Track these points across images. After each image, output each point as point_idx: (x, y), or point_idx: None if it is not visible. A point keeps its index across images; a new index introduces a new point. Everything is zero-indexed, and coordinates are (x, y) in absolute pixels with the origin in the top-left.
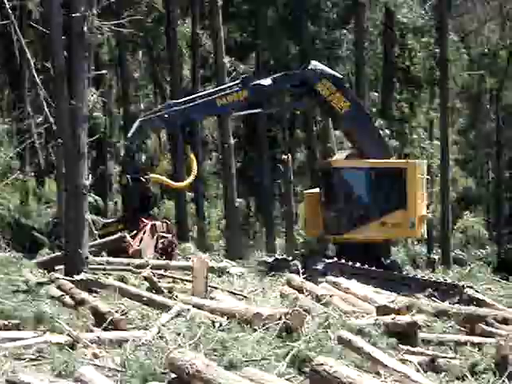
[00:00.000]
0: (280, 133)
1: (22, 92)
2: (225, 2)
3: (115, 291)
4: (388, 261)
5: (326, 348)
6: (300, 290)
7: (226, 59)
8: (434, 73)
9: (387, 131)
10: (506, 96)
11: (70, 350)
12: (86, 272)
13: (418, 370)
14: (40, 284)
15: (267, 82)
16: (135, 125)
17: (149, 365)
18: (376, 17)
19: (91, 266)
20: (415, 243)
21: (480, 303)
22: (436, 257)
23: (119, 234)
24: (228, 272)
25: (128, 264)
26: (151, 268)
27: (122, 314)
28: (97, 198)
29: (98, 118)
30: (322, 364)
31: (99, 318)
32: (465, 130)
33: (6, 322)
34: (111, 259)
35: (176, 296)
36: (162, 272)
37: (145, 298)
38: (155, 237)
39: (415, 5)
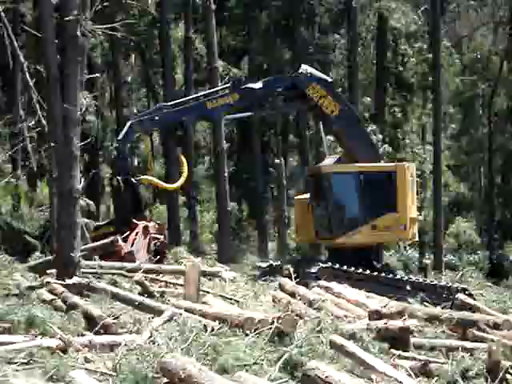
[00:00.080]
0: (273, 137)
1: (14, 95)
2: (218, 6)
3: (107, 295)
4: (380, 264)
5: (318, 353)
6: (292, 294)
7: (219, 63)
8: (426, 78)
9: (380, 136)
10: (499, 101)
11: (62, 354)
12: (77, 276)
13: (409, 375)
14: (31, 288)
15: (257, 85)
16: (126, 126)
17: (140, 369)
18: (369, 22)
19: (83, 270)
20: (407, 248)
21: (472, 308)
22: (428, 262)
23: (111, 238)
24: (220, 276)
25: (120, 268)
26: (143, 272)
27: (114, 318)
28: (89, 201)
29: (91, 122)
30: (314, 369)
31: (91, 322)
32: (457, 135)
33: None
34: (103, 263)
35: (168, 300)
36: (154, 276)
37: (137, 302)
38: (147, 238)
39: (408, 10)
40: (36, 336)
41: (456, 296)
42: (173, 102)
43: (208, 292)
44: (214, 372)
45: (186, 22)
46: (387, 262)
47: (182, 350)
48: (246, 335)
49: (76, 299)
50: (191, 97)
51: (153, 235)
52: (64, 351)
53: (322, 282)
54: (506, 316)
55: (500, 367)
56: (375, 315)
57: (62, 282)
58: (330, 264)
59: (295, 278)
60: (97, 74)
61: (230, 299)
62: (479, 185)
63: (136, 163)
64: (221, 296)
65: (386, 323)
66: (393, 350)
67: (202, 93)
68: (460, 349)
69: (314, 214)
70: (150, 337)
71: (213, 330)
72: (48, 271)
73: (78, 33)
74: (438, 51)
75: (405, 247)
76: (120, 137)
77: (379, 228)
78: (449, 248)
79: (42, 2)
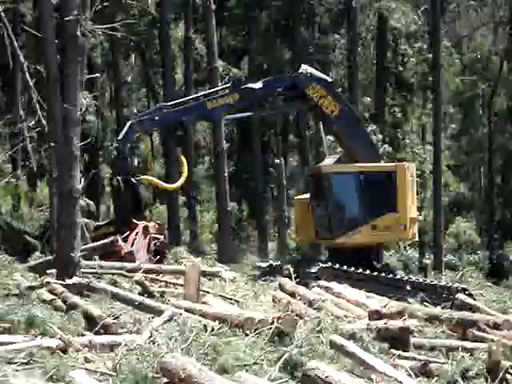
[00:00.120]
0: (273, 137)
1: (14, 95)
2: (218, 6)
3: (107, 295)
4: (380, 264)
5: (318, 353)
6: (292, 294)
7: (219, 63)
8: (426, 78)
9: (380, 136)
10: (499, 101)
11: (62, 354)
12: (77, 276)
13: (409, 375)
14: (31, 288)
15: (257, 85)
16: (126, 126)
17: (140, 369)
18: (369, 22)
19: (83, 270)
20: (407, 248)
21: (472, 308)
22: (428, 262)
23: (111, 238)
24: (220, 276)
25: (120, 268)
26: (143, 272)
27: (114, 318)
28: (89, 201)
29: (91, 122)
30: (314, 369)
31: (91, 322)
32: (457, 135)
33: None
34: (103, 263)
35: (168, 300)
36: (154, 276)
37: (137, 302)
38: (147, 238)
39: (408, 10)
40: (36, 336)
41: (456, 296)
42: (173, 102)
43: (208, 292)
44: (214, 372)
45: (186, 22)
46: (387, 262)
47: (182, 350)
48: (246, 335)
49: (76, 299)
50: (191, 97)
51: (153, 235)
52: (64, 351)
53: (322, 282)
54: (506, 316)
55: (500, 367)
56: (375, 315)
57: (62, 282)
58: (330, 264)
59: (295, 278)
60: (97, 74)
61: (230, 299)
62: (479, 185)
63: (136, 163)
64: (221, 296)
65: (385, 323)
66: (393, 350)
67: (201, 93)
68: (460, 349)
69: (313, 214)
70: (150, 337)
71: (213, 330)
72: (48, 271)
73: (78, 33)
74: (438, 51)
75: (405, 247)
76: (120, 137)
77: (379, 228)
78: (449, 248)
79: (42, 2)
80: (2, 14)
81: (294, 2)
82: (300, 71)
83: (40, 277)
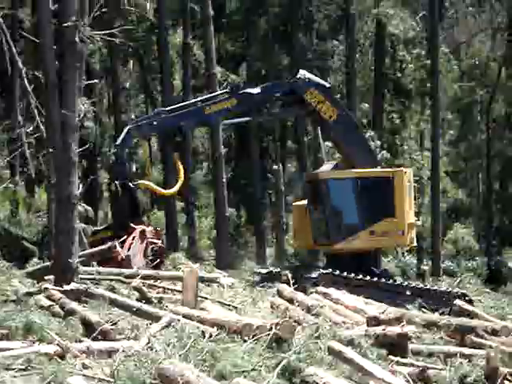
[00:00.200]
0: (271, 143)
1: (12, 101)
2: (216, 13)
3: (105, 301)
4: (379, 270)
5: (317, 359)
6: (290, 300)
7: (217, 69)
8: (424, 84)
9: (378, 142)
10: (497, 108)
11: (60, 361)
12: (75, 282)
13: (407, 381)
14: (29, 294)
15: (256, 90)
16: (124, 131)
17: (138, 375)
18: (367, 28)
19: (81, 276)
20: (405, 254)
21: (470, 314)
22: (426, 268)
23: (109, 244)
24: (218, 282)
25: (118, 274)
26: (141, 278)
27: (112, 324)
28: (87, 207)
29: (89, 128)
30: (313, 375)
31: (89, 328)
32: (455, 141)
33: None
34: (101, 269)
35: (166, 306)
36: (151, 282)
37: (134, 308)
38: (144, 243)
39: (406, 16)
40: (34, 342)
41: (454, 302)
42: (171, 107)
43: (206, 298)
44: (212, 378)
45: (184, 28)
46: (385, 267)
47: (179, 356)
48: (244, 341)
49: (74, 305)
50: (189, 102)
51: (150, 240)
52: (62, 357)
53: (321, 288)
54: (504, 322)
55: (498, 373)
56: (373, 321)
57: (60, 288)
58: (330, 270)
59: (293, 284)
60: (95, 80)
61: (228, 305)
62: (477, 191)
63: (134, 169)
64: (219, 302)
65: (384, 329)
66: (391, 357)
67: (200, 98)
68: (458, 355)
69: (312, 220)
70: (148, 343)
71: (211, 336)
72: (46, 277)
73: (77, 39)
74: (436, 57)
75: (403, 253)
76: (118, 142)
77: (377, 233)
78: (447, 254)
79: (41, 8)
80: (1, 19)
81: (292, 9)
82: (298, 76)
83: (38, 283)
